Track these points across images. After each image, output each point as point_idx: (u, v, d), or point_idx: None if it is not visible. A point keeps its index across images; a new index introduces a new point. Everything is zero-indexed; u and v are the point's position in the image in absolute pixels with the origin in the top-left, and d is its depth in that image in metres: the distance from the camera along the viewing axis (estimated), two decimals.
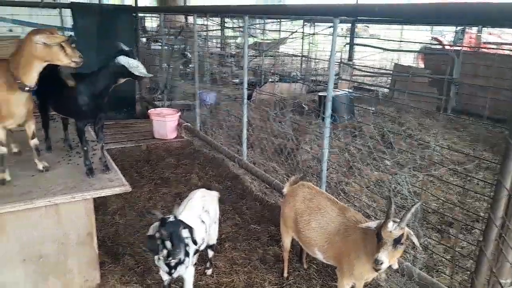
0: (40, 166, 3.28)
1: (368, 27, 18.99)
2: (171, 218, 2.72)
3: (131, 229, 4.18)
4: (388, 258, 2.48)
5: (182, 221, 2.75)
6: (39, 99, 3.53)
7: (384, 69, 10.99)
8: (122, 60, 3.10)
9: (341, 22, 4.40)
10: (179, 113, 6.88)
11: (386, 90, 10.06)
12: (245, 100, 5.36)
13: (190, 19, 10.71)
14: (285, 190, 3.53)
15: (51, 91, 3.25)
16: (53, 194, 2.94)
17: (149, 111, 6.87)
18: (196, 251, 3.09)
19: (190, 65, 10.01)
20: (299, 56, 11.48)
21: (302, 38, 11.58)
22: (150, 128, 6.77)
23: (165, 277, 2.95)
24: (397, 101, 8.58)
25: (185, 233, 2.71)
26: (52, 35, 2.78)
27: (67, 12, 7.88)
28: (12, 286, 2.99)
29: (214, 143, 6.18)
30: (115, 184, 3.19)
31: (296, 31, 11.76)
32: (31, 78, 2.87)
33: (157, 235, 2.66)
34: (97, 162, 3.48)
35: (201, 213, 3.18)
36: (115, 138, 6.64)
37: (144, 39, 11.01)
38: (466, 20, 7.67)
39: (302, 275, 3.60)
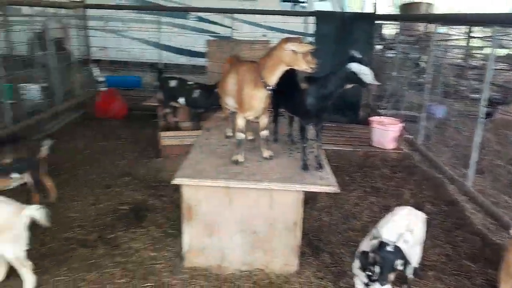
0: (266, 154, 3.74)
1: None
2: (391, 247, 2.68)
3: (334, 228, 4.31)
4: None
5: (400, 251, 2.67)
6: (274, 97, 3.95)
7: None
8: (354, 66, 3.16)
9: None
10: (401, 124, 6.61)
11: None
12: (481, 118, 4.72)
13: (431, 27, 10.08)
14: None
15: (284, 91, 3.62)
16: (271, 180, 3.33)
17: (370, 118, 6.86)
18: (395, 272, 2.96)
19: (423, 75, 9.44)
20: None
21: None
22: (369, 135, 6.75)
23: (359, 286, 2.94)
24: None
25: (399, 264, 2.64)
26: (301, 44, 3.11)
27: (311, 20, 8.63)
28: (228, 250, 3.56)
29: (436, 160, 5.69)
30: (324, 183, 3.35)
31: None
32: (273, 79, 3.31)
33: (371, 255, 2.67)
34: (312, 159, 3.70)
35: (403, 231, 3.01)
36: (333, 140, 6.90)
37: (379, 47, 11.00)
38: None
39: None
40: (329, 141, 6.72)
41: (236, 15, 8.79)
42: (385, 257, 2.62)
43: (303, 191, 3.35)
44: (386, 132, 6.44)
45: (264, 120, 3.65)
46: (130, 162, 5.92)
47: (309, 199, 4.66)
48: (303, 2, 11.64)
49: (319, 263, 3.72)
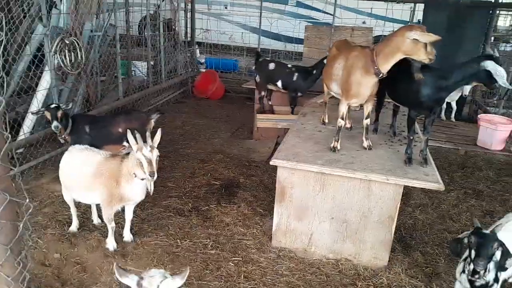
0: (365, 143, 3.65)
1: None
2: (487, 231, 2.51)
3: (429, 227, 4.10)
4: None
5: (500, 240, 2.47)
6: (381, 85, 3.74)
7: None
8: (490, 65, 2.93)
9: None
10: None
11: None
12: None
13: None
14: None
15: (394, 79, 3.45)
16: (370, 171, 3.25)
17: (479, 115, 6.29)
18: (505, 281, 2.73)
19: None
20: None
21: None
22: (475, 133, 6.21)
23: None
24: None
25: (497, 252, 2.43)
26: (426, 33, 2.91)
27: (418, 7, 8.09)
28: (318, 235, 3.57)
29: None
30: (429, 179, 3.19)
31: None
32: (387, 67, 3.16)
33: (466, 239, 2.52)
34: (416, 154, 3.53)
35: None
36: (433, 135, 6.47)
37: (492, 38, 9.98)
38: None
39: None
40: (429, 137, 6.31)
41: (339, 1, 8.51)
42: (481, 239, 2.43)
43: (404, 185, 3.22)
44: (494, 131, 5.87)
45: (368, 108, 3.55)
46: (224, 141, 6.19)
47: (403, 195, 4.46)
48: None
49: (410, 261, 3.58)
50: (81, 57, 5.09)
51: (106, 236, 3.59)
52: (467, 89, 6.47)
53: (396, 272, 3.42)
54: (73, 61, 5.00)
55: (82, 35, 5.40)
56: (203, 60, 9.35)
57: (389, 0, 8.55)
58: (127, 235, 3.68)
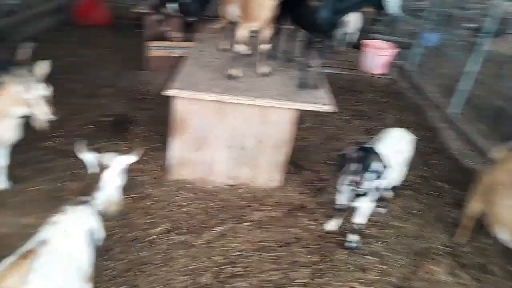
0: (263, 69, 3.63)
1: None
2: (368, 145, 2.78)
3: (318, 148, 4.41)
4: None
5: (377, 152, 2.75)
6: (281, 9, 3.64)
7: None
8: None
9: None
10: (395, 49, 6.47)
11: None
12: (482, 46, 4.65)
13: None
14: (495, 155, 3.10)
15: (294, 2, 3.41)
16: (268, 97, 3.29)
17: (364, 41, 6.68)
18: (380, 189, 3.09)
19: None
20: None
21: None
22: (361, 58, 6.62)
23: (341, 201, 3.07)
24: None
25: (377, 165, 2.71)
26: None
27: None
28: (216, 163, 3.63)
29: (422, 87, 5.71)
30: (322, 102, 3.35)
31: None
32: None
33: (349, 154, 2.75)
34: (310, 78, 3.61)
35: (395, 153, 3.10)
36: (323, 63, 6.77)
37: None
38: None
39: (481, 248, 3.25)
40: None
41: None
42: (364, 153, 2.70)
43: (298, 109, 3.34)
44: (376, 56, 6.34)
45: (266, 33, 3.46)
46: (114, 73, 5.73)
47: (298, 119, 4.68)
48: None
49: (301, 180, 3.87)
50: None
51: None
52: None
53: (288, 190, 3.69)
54: None
55: None
56: None
57: None
58: (3, 182, 3.29)
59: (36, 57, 3.24)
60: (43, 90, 2.77)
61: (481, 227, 3.24)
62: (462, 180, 4.00)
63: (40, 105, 2.75)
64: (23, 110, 2.81)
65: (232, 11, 3.64)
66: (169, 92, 3.28)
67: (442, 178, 4.10)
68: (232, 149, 3.55)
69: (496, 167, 2.98)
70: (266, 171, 3.64)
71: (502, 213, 2.78)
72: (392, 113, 5.37)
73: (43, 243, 1.78)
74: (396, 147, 3.16)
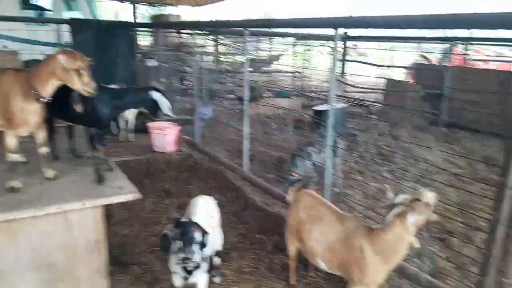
0: (50, 174, 3.27)
1: (356, 46, 19.27)
2: (184, 219, 2.78)
3: (136, 239, 4.16)
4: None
5: (195, 223, 2.79)
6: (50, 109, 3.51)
7: (377, 86, 11.18)
8: (156, 96, 3.61)
9: (331, 40, 4.47)
10: (178, 127, 6.91)
11: (379, 105, 10.23)
12: (247, 111, 5.43)
13: (184, 37, 10.88)
14: (289, 198, 3.59)
15: (66, 101, 3.28)
16: (64, 201, 2.94)
17: (148, 124, 6.88)
18: (208, 257, 3.10)
19: (186, 82, 10.14)
20: (292, 72, 11.66)
21: (295, 55, 11.82)
22: (150, 141, 6.77)
23: (178, 283, 2.94)
24: (391, 115, 8.76)
25: (197, 234, 2.73)
26: (74, 59, 2.91)
27: (63, 29, 7.97)
28: None
29: (215, 155, 6.22)
30: (125, 191, 3.21)
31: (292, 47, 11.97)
32: (48, 90, 2.99)
33: (169, 234, 2.73)
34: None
35: (207, 218, 3.22)
36: (115, 152, 6.61)
37: (139, 55, 11.12)
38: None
39: (310, 282, 3.62)
40: (110, 154, 6.38)
41: None
42: (182, 228, 2.73)
43: (103, 205, 3.09)
44: (165, 136, 6.60)
45: (41, 136, 3.18)
46: None
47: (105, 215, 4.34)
48: (49, 10, 10.57)
49: (130, 277, 3.54)
50: None
51: None
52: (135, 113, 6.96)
53: None
54: None
55: None
56: None
57: (33, 21, 7.98)
58: None
59: None
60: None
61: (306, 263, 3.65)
62: (275, 227, 4.45)
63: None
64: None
65: None
66: None
67: (258, 231, 4.43)
68: (39, 271, 2.97)
69: (292, 208, 3.45)
70: (87, 281, 3.18)
71: (313, 247, 3.19)
72: (196, 185, 5.60)
73: None
74: (206, 213, 3.29)
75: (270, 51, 14.83)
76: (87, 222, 3.08)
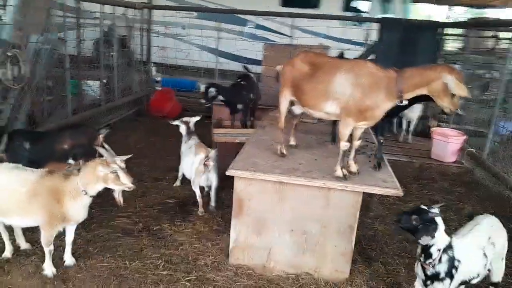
0: (354, 168, 3.30)
1: None
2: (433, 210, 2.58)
3: (389, 238, 4.04)
4: None
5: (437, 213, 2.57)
6: None
7: None
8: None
9: None
10: (464, 137, 6.17)
11: None
12: None
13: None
14: None
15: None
16: (329, 179, 3.15)
17: (432, 129, 6.46)
18: (465, 282, 2.69)
19: (489, 90, 8.82)
20: None
21: None
22: (429, 147, 6.36)
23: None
24: None
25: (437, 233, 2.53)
26: (461, 83, 2.66)
27: (371, 29, 8.38)
28: (276, 249, 3.40)
29: (504, 176, 5.21)
30: (388, 185, 3.13)
31: None
32: (410, 95, 2.91)
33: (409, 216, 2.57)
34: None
35: (485, 244, 2.73)
36: (389, 150, 6.57)
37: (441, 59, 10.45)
38: None
39: None
40: (385, 151, 6.40)
41: (296, 23, 8.59)
42: (424, 215, 2.53)
43: (362, 192, 3.13)
44: (447, 144, 6.04)
45: (358, 132, 3.25)
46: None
47: (362, 206, 4.42)
48: (365, 13, 11.33)
49: (371, 272, 3.48)
50: (25, 71, 4.76)
51: (44, 261, 3.23)
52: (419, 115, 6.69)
53: (357, 284, 3.30)
54: (15, 75, 4.67)
55: (27, 48, 5.08)
56: (159, 79, 9.13)
57: (347, 19, 8.75)
58: (69, 259, 3.34)
59: (110, 143, 3.48)
60: (121, 163, 3.07)
61: None
62: None
63: (120, 177, 3.04)
64: (102, 186, 3.09)
65: (327, 107, 3.19)
66: (229, 172, 3.26)
67: None
68: (294, 233, 3.33)
69: None
70: (332, 261, 3.33)
71: None
72: (470, 204, 4.90)
73: None
74: (486, 237, 2.78)
75: None
76: (344, 204, 3.20)
